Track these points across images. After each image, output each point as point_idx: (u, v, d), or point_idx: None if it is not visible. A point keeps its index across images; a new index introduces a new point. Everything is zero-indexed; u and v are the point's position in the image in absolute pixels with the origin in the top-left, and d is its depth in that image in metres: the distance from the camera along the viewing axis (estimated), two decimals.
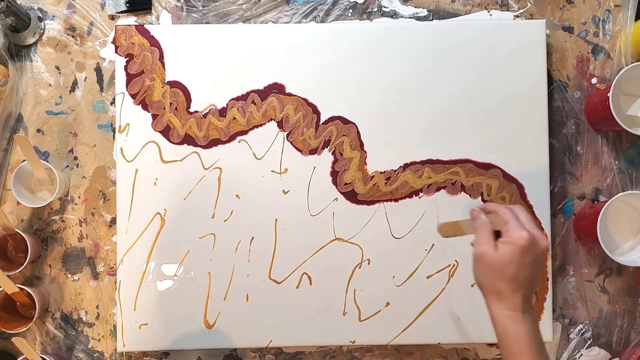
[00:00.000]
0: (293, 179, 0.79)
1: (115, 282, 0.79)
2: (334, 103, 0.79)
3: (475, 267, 0.57)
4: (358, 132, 0.79)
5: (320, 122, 0.79)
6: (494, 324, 0.56)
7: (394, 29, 0.80)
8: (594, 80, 0.82)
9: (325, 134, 0.79)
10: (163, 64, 0.79)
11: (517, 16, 0.82)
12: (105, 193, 0.82)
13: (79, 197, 0.82)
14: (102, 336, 0.82)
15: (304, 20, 0.83)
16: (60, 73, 0.82)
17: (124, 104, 0.79)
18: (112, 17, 0.83)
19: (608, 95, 0.74)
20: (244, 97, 0.79)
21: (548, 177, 0.79)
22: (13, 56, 0.82)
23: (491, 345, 0.82)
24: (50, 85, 0.82)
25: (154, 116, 0.79)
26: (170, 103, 0.79)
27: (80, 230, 0.81)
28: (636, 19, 0.81)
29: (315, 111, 0.79)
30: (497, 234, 0.57)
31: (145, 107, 0.79)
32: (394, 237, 0.79)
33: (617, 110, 0.75)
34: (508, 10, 0.83)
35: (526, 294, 0.55)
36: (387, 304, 0.79)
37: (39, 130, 0.82)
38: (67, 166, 0.82)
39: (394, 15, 0.83)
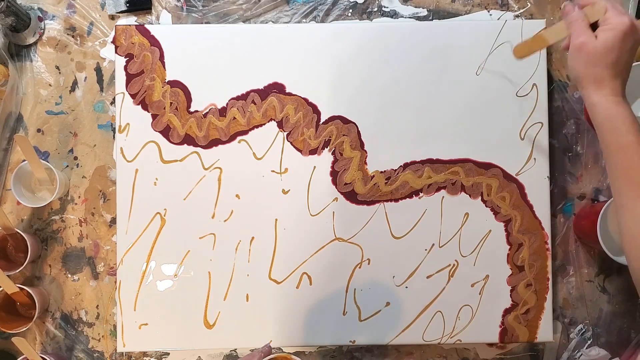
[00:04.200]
0: (293, 179, 0.79)
1: (115, 282, 0.79)
2: (334, 103, 0.79)
3: (573, 60, 0.57)
4: (358, 132, 0.79)
5: (320, 122, 0.79)
6: (594, 112, 0.56)
7: (394, 29, 0.80)
8: None
9: (325, 134, 0.79)
10: (163, 63, 0.79)
11: (517, 16, 0.82)
12: (105, 193, 0.82)
13: (79, 197, 0.82)
14: (102, 336, 0.82)
15: (304, 20, 0.83)
16: (60, 73, 0.82)
17: (124, 104, 0.79)
18: (112, 17, 0.83)
19: None
20: (244, 97, 0.79)
21: (548, 177, 0.79)
22: (13, 56, 0.82)
23: (491, 345, 0.82)
24: (50, 85, 0.82)
25: (154, 116, 0.79)
26: (171, 103, 0.79)
27: (80, 230, 0.81)
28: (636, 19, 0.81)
29: (315, 111, 0.79)
30: (592, 27, 0.57)
31: (145, 107, 0.79)
32: (394, 237, 0.79)
33: None
34: (508, 10, 0.83)
35: (624, 79, 0.56)
36: (387, 304, 0.79)
37: (39, 130, 0.82)
38: (67, 166, 0.82)
39: (394, 15, 0.83)
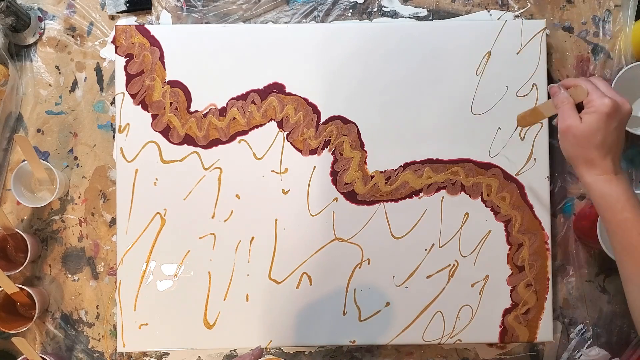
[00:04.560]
0: (293, 179, 0.79)
1: (115, 282, 0.79)
2: (334, 103, 0.79)
3: (562, 142, 0.60)
4: (358, 132, 0.79)
5: (321, 122, 0.79)
6: (590, 192, 0.58)
7: (394, 29, 0.80)
8: None
9: (325, 134, 0.79)
10: (163, 63, 0.79)
11: (517, 16, 0.82)
12: (105, 193, 0.82)
13: (79, 197, 0.82)
14: (102, 336, 0.82)
15: (304, 20, 0.83)
16: (60, 73, 0.82)
17: (124, 104, 0.79)
18: (112, 17, 0.83)
19: None
20: (244, 97, 0.79)
21: (548, 177, 0.79)
22: (13, 56, 0.82)
23: (491, 345, 0.82)
24: (50, 85, 0.82)
25: (154, 116, 0.79)
26: (171, 103, 0.79)
27: (80, 230, 0.81)
28: (636, 19, 0.81)
29: (316, 111, 0.79)
30: (579, 108, 0.59)
31: (145, 107, 0.79)
32: (394, 237, 0.79)
33: None
34: (508, 10, 0.83)
35: (615, 157, 0.57)
36: (387, 304, 0.79)
37: (39, 130, 0.82)
38: (67, 166, 0.82)
39: (394, 15, 0.83)
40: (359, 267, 0.79)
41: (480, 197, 0.79)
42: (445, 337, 0.79)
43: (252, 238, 0.79)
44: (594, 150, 0.56)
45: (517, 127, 0.77)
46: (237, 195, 0.79)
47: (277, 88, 0.79)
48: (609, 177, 0.56)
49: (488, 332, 0.79)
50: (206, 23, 0.82)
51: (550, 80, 0.81)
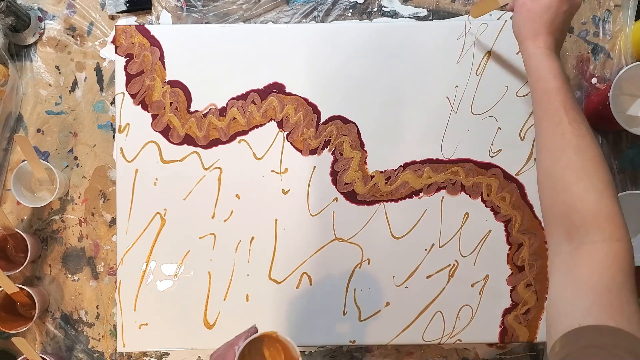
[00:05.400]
0: (293, 179, 0.79)
1: (115, 282, 0.79)
2: (334, 103, 0.79)
3: (516, 17, 0.65)
4: (358, 132, 0.79)
5: (320, 122, 0.79)
6: (528, 62, 0.62)
7: (394, 29, 0.80)
8: (594, 80, 0.82)
9: (325, 134, 0.79)
10: (163, 63, 0.79)
11: None
12: (105, 193, 0.82)
13: (79, 197, 0.82)
14: (102, 336, 0.82)
15: (304, 20, 0.83)
16: (60, 73, 0.82)
17: (124, 104, 0.79)
18: (112, 17, 0.83)
19: (608, 95, 0.74)
20: (244, 97, 0.79)
21: None
22: (13, 56, 0.82)
23: (491, 345, 0.82)
24: (50, 85, 0.82)
25: (154, 116, 0.79)
26: (171, 103, 0.79)
27: (80, 230, 0.81)
28: (636, 19, 0.81)
29: (316, 111, 0.79)
30: None
31: (145, 107, 0.79)
32: (394, 237, 0.79)
33: (617, 110, 0.75)
34: (508, 10, 0.82)
35: (558, 39, 0.63)
36: (387, 304, 0.79)
37: (39, 130, 0.82)
38: (67, 166, 0.82)
39: (394, 15, 0.83)
40: (359, 267, 0.79)
41: (480, 197, 0.79)
42: (445, 337, 0.79)
43: (252, 238, 0.79)
44: (543, 25, 0.62)
45: (471, 15, 0.78)
46: (237, 195, 0.79)
47: (277, 88, 0.79)
48: (549, 52, 0.61)
49: (488, 332, 0.79)
50: (206, 23, 0.82)
51: None
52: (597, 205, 0.50)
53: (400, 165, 0.79)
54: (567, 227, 0.50)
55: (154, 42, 0.79)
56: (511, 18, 0.68)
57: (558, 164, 0.54)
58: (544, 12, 0.62)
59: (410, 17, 0.83)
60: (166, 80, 0.79)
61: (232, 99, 0.79)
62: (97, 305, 0.81)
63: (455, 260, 0.79)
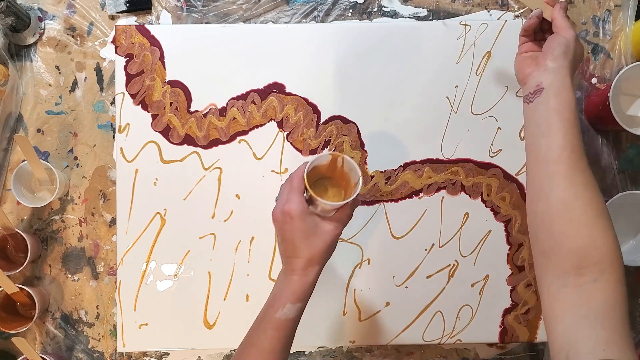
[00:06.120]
0: None
1: (115, 282, 0.79)
2: (334, 103, 0.79)
3: (576, 50, 0.61)
4: (358, 132, 0.79)
5: (320, 122, 0.79)
6: (568, 89, 0.58)
7: (394, 29, 0.80)
8: (594, 80, 0.82)
9: (325, 134, 0.79)
10: (163, 63, 0.79)
11: (517, 16, 0.82)
12: (105, 193, 0.82)
13: (79, 197, 0.82)
14: (102, 336, 0.82)
15: (304, 20, 0.83)
16: (60, 73, 0.82)
17: (124, 104, 0.79)
18: (112, 17, 0.83)
19: (608, 95, 0.74)
20: (244, 97, 0.79)
21: None
22: (13, 56, 0.82)
23: (491, 345, 0.82)
24: (50, 85, 0.82)
25: (154, 116, 0.79)
26: (171, 103, 0.79)
27: (80, 230, 0.81)
28: (636, 19, 0.81)
29: (316, 111, 0.79)
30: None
31: (145, 107, 0.79)
32: (394, 237, 0.79)
33: (617, 110, 0.75)
34: (508, 10, 0.83)
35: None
36: (387, 304, 0.79)
37: (39, 130, 0.82)
38: (67, 166, 0.82)
39: (394, 15, 0.83)
40: (359, 267, 0.79)
41: (480, 197, 0.79)
42: (445, 337, 0.79)
43: (252, 238, 0.79)
44: (577, 61, 0.61)
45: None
46: (237, 195, 0.79)
47: (277, 88, 0.79)
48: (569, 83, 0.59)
49: (488, 332, 0.79)
50: (206, 23, 0.82)
51: None
52: (615, 247, 0.51)
53: (400, 165, 0.79)
54: (580, 262, 0.51)
55: (154, 42, 0.79)
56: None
57: (580, 197, 0.53)
58: (580, 51, 0.61)
59: (410, 17, 0.83)
60: (166, 80, 0.79)
61: (232, 99, 0.79)
62: (97, 305, 0.81)
63: (455, 260, 0.79)
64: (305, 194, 0.58)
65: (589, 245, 0.51)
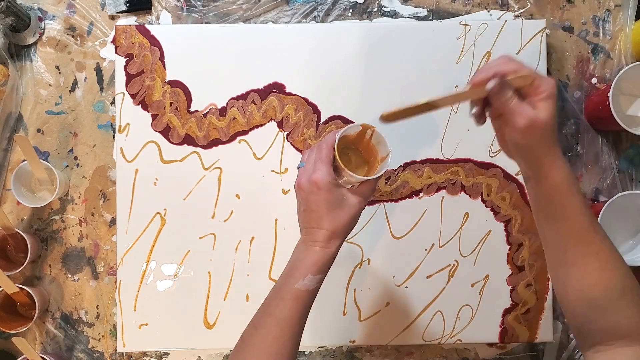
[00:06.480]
0: (293, 179, 0.78)
1: (115, 282, 0.79)
2: (334, 103, 0.79)
3: (527, 138, 0.52)
4: None
5: (320, 122, 0.79)
6: (547, 179, 0.53)
7: (394, 29, 0.80)
8: (594, 80, 0.82)
9: (325, 134, 0.79)
10: (163, 63, 0.79)
11: (517, 16, 0.82)
12: (105, 193, 0.82)
13: (79, 197, 0.82)
14: (102, 336, 0.82)
15: (304, 20, 0.83)
16: (60, 73, 0.82)
17: (124, 104, 0.79)
18: (112, 17, 0.83)
19: (608, 95, 0.74)
20: (244, 97, 0.79)
21: None
22: (13, 56, 0.82)
23: (491, 345, 0.82)
24: (50, 85, 0.82)
25: (154, 116, 0.79)
26: (171, 103, 0.79)
27: (80, 230, 0.81)
28: (636, 19, 0.81)
29: (316, 111, 0.79)
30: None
31: (145, 107, 0.79)
32: (394, 237, 0.79)
33: (617, 110, 0.75)
34: (508, 10, 0.83)
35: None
36: (387, 304, 0.79)
37: (39, 130, 0.82)
38: (67, 166, 0.82)
39: (394, 15, 0.83)
40: (359, 267, 0.79)
41: (480, 197, 0.79)
42: (445, 337, 0.79)
43: (252, 238, 0.79)
44: (554, 135, 0.52)
45: (381, 121, 0.56)
46: (237, 195, 0.79)
47: (277, 88, 0.79)
48: (564, 160, 0.53)
49: (488, 332, 0.79)
50: (206, 23, 0.82)
51: None
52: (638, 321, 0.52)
53: (400, 165, 0.79)
54: (608, 339, 0.52)
55: (154, 42, 0.79)
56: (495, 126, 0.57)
57: (598, 284, 0.53)
58: (553, 122, 0.52)
59: (410, 17, 0.83)
60: (166, 80, 0.79)
61: (232, 99, 0.79)
62: (97, 305, 0.81)
63: (455, 260, 0.79)
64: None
65: (615, 326, 0.52)
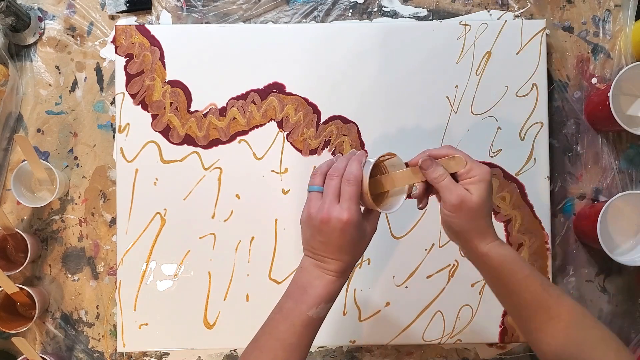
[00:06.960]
0: (293, 179, 0.79)
1: (115, 282, 0.79)
2: (334, 103, 0.79)
3: (457, 217, 0.55)
4: (358, 132, 0.79)
5: (320, 122, 0.79)
6: (486, 261, 0.55)
7: (394, 29, 0.80)
8: (594, 80, 0.82)
9: (325, 134, 0.79)
10: (163, 63, 0.79)
11: (517, 16, 0.82)
12: (105, 193, 0.82)
13: (79, 197, 0.82)
14: (102, 336, 0.82)
15: (304, 20, 0.83)
16: (60, 73, 0.82)
17: (124, 104, 0.79)
18: (112, 17, 0.83)
19: (608, 95, 0.74)
20: (244, 97, 0.79)
21: (548, 177, 0.79)
22: (13, 56, 0.82)
23: (491, 345, 0.82)
24: (50, 85, 0.82)
25: (154, 116, 0.79)
26: (171, 103, 0.79)
27: (80, 230, 0.81)
28: (636, 19, 0.81)
29: (316, 111, 0.79)
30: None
31: (145, 107, 0.79)
32: (394, 237, 0.79)
33: (617, 110, 0.75)
34: (508, 10, 0.83)
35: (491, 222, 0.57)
36: (387, 304, 0.79)
37: (39, 130, 0.82)
38: (67, 166, 0.82)
39: (394, 15, 0.83)
40: (359, 267, 0.79)
41: None
42: (445, 337, 0.79)
43: (252, 238, 0.79)
44: (485, 219, 0.55)
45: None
46: (237, 195, 0.79)
47: (277, 88, 0.79)
48: (500, 242, 0.56)
49: (488, 332, 0.79)
50: (206, 23, 0.82)
51: (550, 80, 0.81)
52: None
53: None
54: None
55: (154, 42, 0.79)
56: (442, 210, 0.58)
57: (569, 343, 0.53)
58: (484, 206, 0.55)
59: (410, 17, 0.83)
60: (166, 80, 0.79)
61: (232, 99, 0.79)
62: (97, 305, 0.81)
63: (455, 260, 0.79)
64: None
65: None
